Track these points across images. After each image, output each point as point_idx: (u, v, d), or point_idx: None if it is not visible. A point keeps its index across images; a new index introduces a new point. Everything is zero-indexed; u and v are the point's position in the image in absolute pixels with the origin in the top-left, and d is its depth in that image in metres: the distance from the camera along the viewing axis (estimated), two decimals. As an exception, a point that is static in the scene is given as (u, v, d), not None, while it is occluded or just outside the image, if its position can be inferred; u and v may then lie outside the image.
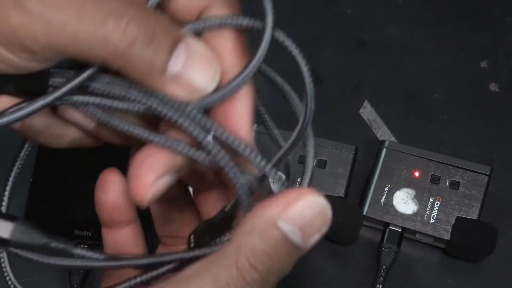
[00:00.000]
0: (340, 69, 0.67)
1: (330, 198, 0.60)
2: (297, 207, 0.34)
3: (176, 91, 0.34)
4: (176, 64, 0.34)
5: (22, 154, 0.40)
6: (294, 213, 0.34)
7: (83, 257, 0.37)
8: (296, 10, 0.69)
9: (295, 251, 0.35)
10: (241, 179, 0.35)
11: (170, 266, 0.36)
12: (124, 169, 0.63)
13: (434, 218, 0.59)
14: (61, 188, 0.61)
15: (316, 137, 0.61)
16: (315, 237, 0.34)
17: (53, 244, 0.38)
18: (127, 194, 0.39)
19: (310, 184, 0.38)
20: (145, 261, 0.36)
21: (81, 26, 0.32)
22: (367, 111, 0.65)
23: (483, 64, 0.67)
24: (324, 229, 0.34)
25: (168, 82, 0.34)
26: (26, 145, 0.40)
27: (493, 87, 0.66)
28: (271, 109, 0.66)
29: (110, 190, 0.41)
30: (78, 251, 0.37)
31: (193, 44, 0.34)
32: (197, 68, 0.34)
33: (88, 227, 0.60)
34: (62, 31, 0.32)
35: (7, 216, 0.38)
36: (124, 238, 0.41)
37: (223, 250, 0.33)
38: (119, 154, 0.63)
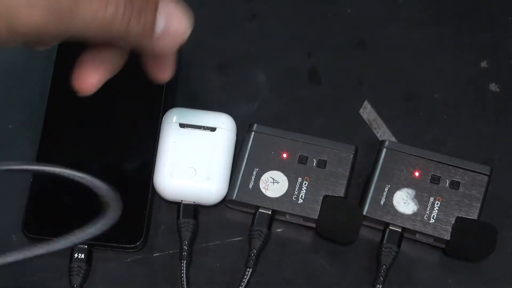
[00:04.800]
0: (340, 69, 0.67)
1: (330, 198, 0.61)
2: None
3: (164, 45, 0.43)
4: (160, 24, 0.42)
5: None
6: None
7: None
8: (296, 10, 0.69)
9: None
10: None
11: None
12: (123, 168, 0.63)
13: (434, 218, 0.59)
14: (61, 188, 0.61)
15: (316, 137, 0.62)
16: None
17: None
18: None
19: None
20: None
21: (80, 12, 0.37)
22: (367, 111, 0.65)
23: (483, 64, 0.67)
24: None
25: (156, 40, 0.42)
26: None
27: (493, 87, 0.66)
28: (271, 109, 0.67)
29: None
30: None
31: (167, 2, 0.42)
32: (176, 20, 0.43)
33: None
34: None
35: None
36: None
37: None
38: (118, 155, 0.63)
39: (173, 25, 0.43)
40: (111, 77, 0.46)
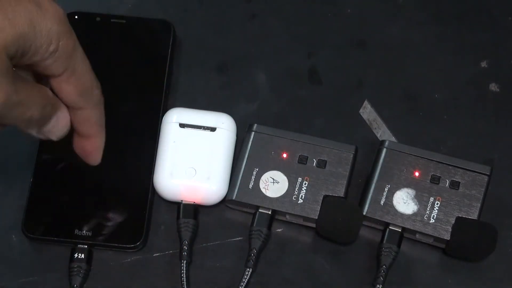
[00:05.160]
0: (340, 69, 0.67)
1: (330, 198, 0.61)
2: None
3: (39, 135, 0.49)
4: (50, 125, 0.48)
5: None
6: None
7: None
8: (296, 10, 0.69)
9: None
10: None
11: None
12: (123, 168, 0.63)
13: (434, 218, 0.59)
14: (61, 188, 0.61)
15: (316, 137, 0.62)
16: None
17: None
18: None
19: None
20: None
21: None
22: (367, 111, 0.65)
23: (483, 64, 0.67)
24: None
25: (38, 132, 0.49)
26: None
27: (493, 87, 0.66)
28: (271, 109, 0.67)
29: None
30: None
31: (62, 111, 0.49)
32: (61, 125, 0.49)
33: (88, 227, 0.60)
34: None
35: None
36: None
37: None
38: (118, 155, 0.63)
39: (57, 128, 0.49)
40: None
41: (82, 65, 0.48)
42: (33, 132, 0.49)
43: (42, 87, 0.47)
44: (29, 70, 0.48)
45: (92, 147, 0.53)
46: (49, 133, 0.49)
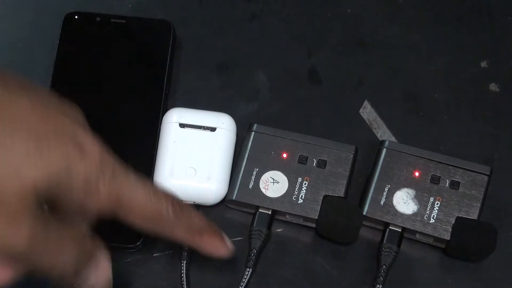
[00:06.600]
0: (340, 69, 0.67)
1: (330, 198, 0.61)
2: None
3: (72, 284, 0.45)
4: (87, 275, 0.46)
5: None
6: None
7: None
8: (296, 10, 0.69)
9: None
10: None
11: None
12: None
13: (434, 218, 0.59)
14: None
15: (316, 137, 0.62)
16: None
17: None
18: None
19: None
20: None
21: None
22: (367, 111, 0.65)
23: (483, 64, 0.67)
24: None
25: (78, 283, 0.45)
26: None
27: (493, 87, 0.66)
28: (271, 109, 0.67)
29: None
30: None
31: (98, 257, 0.46)
32: (99, 280, 0.47)
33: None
34: None
35: None
36: None
37: None
38: (118, 155, 0.63)
39: (96, 281, 0.47)
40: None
41: (131, 193, 0.44)
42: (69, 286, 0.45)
43: (80, 229, 0.43)
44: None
45: (213, 245, 0.49)
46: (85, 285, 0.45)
